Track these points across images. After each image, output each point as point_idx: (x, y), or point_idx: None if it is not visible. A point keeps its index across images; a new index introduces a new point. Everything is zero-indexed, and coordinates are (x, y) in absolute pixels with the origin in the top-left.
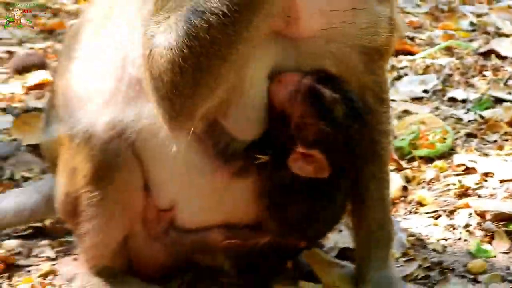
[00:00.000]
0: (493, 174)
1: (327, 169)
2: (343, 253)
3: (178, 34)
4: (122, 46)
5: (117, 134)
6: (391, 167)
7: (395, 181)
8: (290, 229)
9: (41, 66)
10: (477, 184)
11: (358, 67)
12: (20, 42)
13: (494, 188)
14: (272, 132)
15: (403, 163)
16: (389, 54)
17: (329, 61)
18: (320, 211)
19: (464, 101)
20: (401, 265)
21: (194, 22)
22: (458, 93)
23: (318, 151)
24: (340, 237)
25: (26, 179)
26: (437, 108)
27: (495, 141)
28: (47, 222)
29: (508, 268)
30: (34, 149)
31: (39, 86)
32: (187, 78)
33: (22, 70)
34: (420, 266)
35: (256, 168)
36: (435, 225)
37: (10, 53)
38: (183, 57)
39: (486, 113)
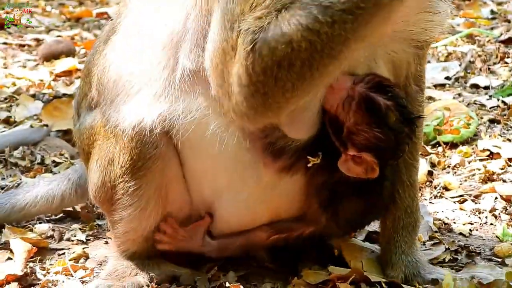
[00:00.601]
0: None
1: (376, 170)
2: (371, 237)
3: (297, 28)
4: (175, 35)
5: (165, 129)
6: None
7: (421, 166)
8: (343, 222)
9: (69, 53)
10: (501, 169)
11: (408, 59)
12: (48, 30)
13: None
14: (324, 134)
15: (428, 148)
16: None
17: (383, 60)
18: (370, 205)
19: (486, 87)
20: (429, 249)
21: (317, 16)
22: (480, 80)
23: (369, 154)
24: None
25: (56, 164)
26: (459, 95)
27: None
28: (78, 206)
29: None
30: (64, 134)
31: (67, 73)
32: (294, 72)
33: (51, 57)
34: (447, 249)
35: (305, 167)
36: (461, 209)
37: (38, 40)
38: (298, 50)
39: (509, 100)
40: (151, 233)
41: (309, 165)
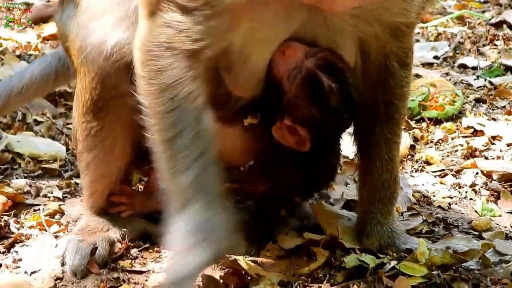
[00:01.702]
0: (501, 137)
1: (308, 145)
2: (349, 205)
3: None
4: None
5: (121, 57)
6: None
7: (404, 140)
8: (285, 188)
9: None
10: (484, 146)
11: (384, 37)
12: None
13: (501, 151)
14: (265, 97)
15: (412, 123)
16: (416, 23)
17: (351, 39)
18: (312, 176)
19: (474, 68)
20: (406, 219)
21: None
22: (469, 61)
23: (303, 129)
24: (346, 189)
25: (38, 122)
26: (447, 74)
27: (504, 107)
28: (54, 165)
29: None
30: (48, 95)
31: (55, 37)
32: None
33: (39, 20)
34: (425, 221)
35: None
36: (441, 183)
37: (28, 4)
38: None
39: (496, 80)
40: (116, 186)
41: (245, 123)
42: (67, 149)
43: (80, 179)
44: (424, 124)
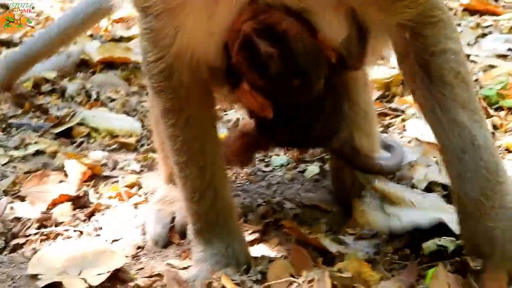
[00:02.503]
0: None
1: (270, 111)
2: (431, 188)
3: None
4: None
5: None
6: None
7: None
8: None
9: None
10: None
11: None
12: None
13: None
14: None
15: (491, 111)
16: None
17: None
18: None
19: None
20: None
21: None
22: None
23: (258, 95)
24: (429, 170)
25: (112, 100)
26: None
27: None
28: (130, 140)
29: None
30: (122, 71)
31: (123, 20)
32: None
33: None
34: None
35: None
36: None
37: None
38: None
39: None
40: None
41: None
42: (142, 125)
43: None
44: (502, 113)
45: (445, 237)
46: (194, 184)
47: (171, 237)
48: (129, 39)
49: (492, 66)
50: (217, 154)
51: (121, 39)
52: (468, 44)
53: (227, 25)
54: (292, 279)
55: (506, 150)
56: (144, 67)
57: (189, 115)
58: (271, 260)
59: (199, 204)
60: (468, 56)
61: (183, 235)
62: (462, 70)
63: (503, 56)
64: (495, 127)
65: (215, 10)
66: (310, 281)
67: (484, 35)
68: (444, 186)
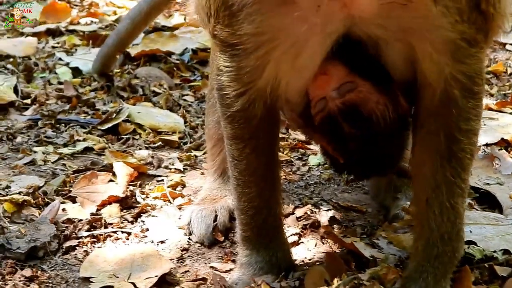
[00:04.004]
0: None
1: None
2: None
3: None
4: None
5: None
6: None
7: None
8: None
9: None
10: None
11: (439, 56)
12: None
13: None
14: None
15: None
16: (485, 42)
17: (399, 53)
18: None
19: None
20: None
21: None
22: None
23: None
24: None
25: (155, 94)
26: None
27: None
28: (174, 137)
29: None
30: (165, 64)
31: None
32: None
33: None
34: None
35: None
36: None
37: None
38: None
39: None
40: None
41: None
42: (185, 121)
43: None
44: None
45: (473, 246)
46: (251, 201)
47: (216, 235)
48: (171, 29)
49: None
50: (277, 176)
51: (163, 29)
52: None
53: (314, 68)
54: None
55: None
56: (219, 98)
57: (257, 143)
58: (308, 264)
59: (253, 218)
60: (504, 45)
61: (225, 233)
62: (475, 152)
63: None
64: None
65: (303, 49)
66: None
67: None
68: (475, 189)
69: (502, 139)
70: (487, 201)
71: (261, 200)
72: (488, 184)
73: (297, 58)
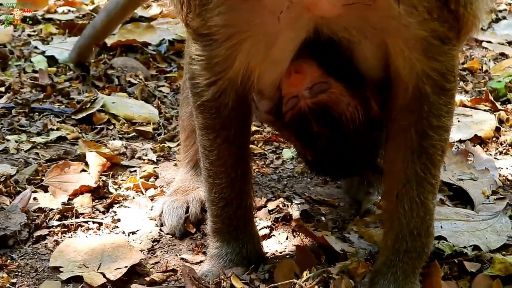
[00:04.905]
0: None
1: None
2: None
3: None
4: None
5: None
6: (486, 108)
7: (489, 122)
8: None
9: None
10: None
11: (410, 53)
12: None
13: None
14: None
15: (498, 105)
16: (458, 40)
17: (375, 49)
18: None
19: None
20: (492, 203)
21: None
22: None
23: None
24: None
25: (131, 84)
26: None
27: None
28: (148, 128)
29: None
30: (141, 55)
31: None
32: None
33: None
34: (509, 205)
35: None
36: None
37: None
38: None
39: None
40: None
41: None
42: (160, 112)
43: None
44: (510, 106)
45: (443, 241)
46: (221, 192)
47: (187, 226)
48: (149, 19)
49: (503, 55)
50: (248, 166)
51: (140, 19)
52: (482, 29)
53: (286, 62)
54: (295, 280)
55: (510, 145)
56: (191, 87)
57: (228, 134)
58: (278, 257)
59: (223, 210)
60: (481, 42)
61: (197, 225)
62: (445, 149)
63: None
64: (501, 121)
65: (274, 42)
66: (310, 282)
67: (498, 20)
68: (448, 185)
69: (476, 135)
70: (460, 197)
71: (231, 191)
72: (461, 180)
73: (268, 50)
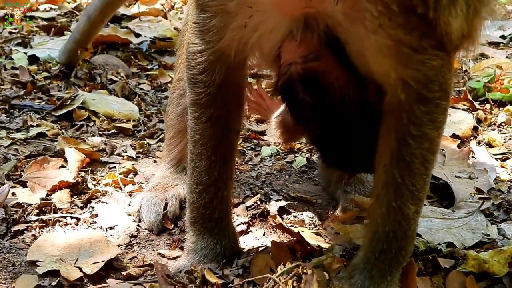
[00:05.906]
0: None
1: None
2: None
3: None
4: None
5: None
6: (464, 107)
7: (467, 121)
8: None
9: None
10: None
11: (384, 60)
12: None
13: None
14: None
15: (476, 104)
16: (440, 49)
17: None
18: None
19: None
20: (475, 202)
21: None
22: None
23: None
24: None
25: (112, 82)
26: None
27: None
28: (128, 125)
29: None
30: (122, 53)
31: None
32: None
33: None
34: (484, 203)
35: None
36: (503, 166)
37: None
38: None
39: None
40: None
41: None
42: (140, 110)
43: (165, 131)
44: (488, 106)
45: (417, 237)
46: (200, 177)
47: (165, 223)
48: (131, 18)
49: (483, 55)
50: (231, 155)
51: (123, 17)
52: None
53: (284, 32)
54: (269, 275)
55: (488, 144)
56: (186, 58)
57: (213, 112)
58: (253, 253)
59: (200, 196)
60: None
61: (175, 221)
62: (429, 158)
63: (495, 44)
64: (479, 120)
65: (268, 17)
66: (285, 277)
67: None
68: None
69: (454, 134)
70: (440, 194)
71: (209, 176)
72: (459, 177)
73: (263, 23)
